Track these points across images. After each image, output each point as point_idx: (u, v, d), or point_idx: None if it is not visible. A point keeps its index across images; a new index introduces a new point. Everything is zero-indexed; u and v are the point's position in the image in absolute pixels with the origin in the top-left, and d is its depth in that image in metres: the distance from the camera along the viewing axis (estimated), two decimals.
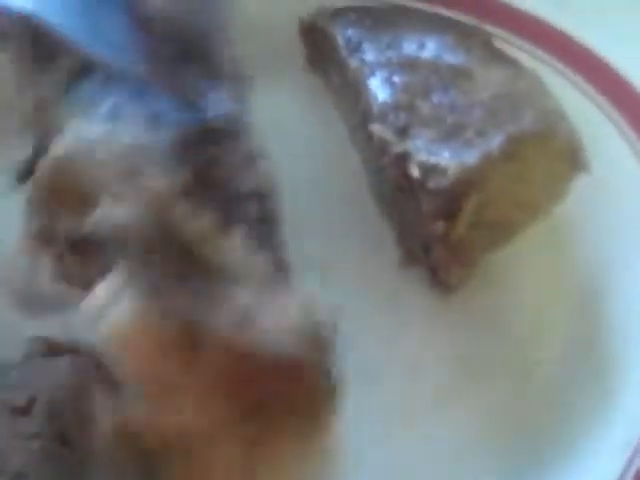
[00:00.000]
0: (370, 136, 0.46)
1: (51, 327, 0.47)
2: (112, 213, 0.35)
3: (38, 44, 0.39)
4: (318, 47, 0.52)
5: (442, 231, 0.43)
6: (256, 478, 0.36)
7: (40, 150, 0.38)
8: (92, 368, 0.46)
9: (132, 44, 0.41)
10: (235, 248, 0.35)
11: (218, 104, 0.39)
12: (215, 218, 0.35)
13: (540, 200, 0.46)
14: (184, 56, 0.40)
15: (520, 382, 0.46)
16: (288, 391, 0.35)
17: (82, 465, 0.42)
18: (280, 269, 0.36)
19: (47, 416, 0.44)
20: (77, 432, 0.44)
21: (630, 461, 0.41)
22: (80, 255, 0.37)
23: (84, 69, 0.39)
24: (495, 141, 0.43)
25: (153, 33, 0.41)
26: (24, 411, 0.45)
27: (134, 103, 0.37)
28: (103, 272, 0.35)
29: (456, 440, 0.44)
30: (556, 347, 0.47)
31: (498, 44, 0.50)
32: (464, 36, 0.49)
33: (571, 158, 0.46)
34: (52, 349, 0.47)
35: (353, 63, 0.48)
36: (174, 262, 0.35)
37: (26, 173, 0.39)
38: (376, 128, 0.45)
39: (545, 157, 0.45)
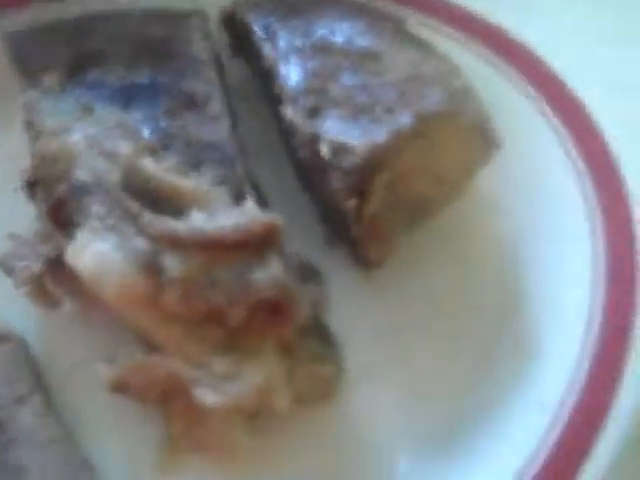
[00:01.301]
0: (284, 119, 0.47)
1: None
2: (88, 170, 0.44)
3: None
4: (238, 35, 0.53)
5: (354, 209, 0.44)
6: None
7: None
8: (20, 353, 0.47)
9: None
10: (192, 185, 0.44)
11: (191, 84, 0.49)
12: (179, 163, 0.44)
13: (454, 175, 0.48)
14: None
15: (441, 356, 0.47)
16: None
17: (12, 446, 0.44)
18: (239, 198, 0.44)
19: None
20: (6, 414, 0.45)
21: (548, 428, 0.43)
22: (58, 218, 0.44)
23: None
24: (403, 119, 0.44)
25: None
26: None
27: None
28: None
29: (379, 414, 0.46)
30: (477, 320, 0.49)
31: (413, 28, 0.52)
32: (376, 21, 0.50)
33: (481, 135, 0.47)
34: None
35: (267, 50, 0.49)
36: (142, 202, 0.43)
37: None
38: (287, 111, 0.46)
39: (454, 134, 0.46)
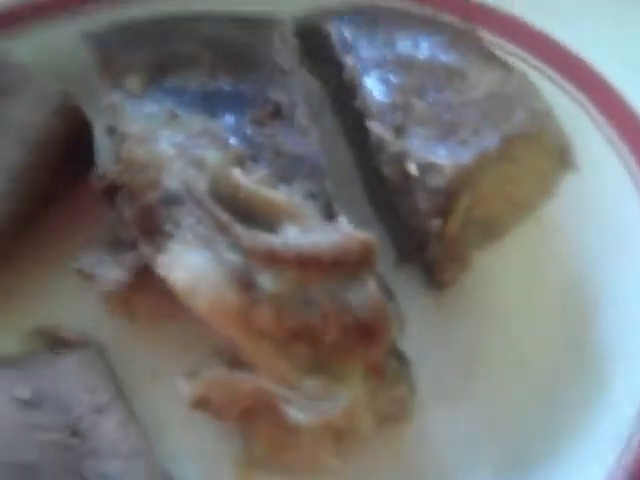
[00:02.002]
0: (367, 134, 0.48)
1: (58, 317, 0.49)
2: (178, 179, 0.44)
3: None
4: (313, 46, 0.53)
5: (438, 228, 0.45)
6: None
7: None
8: (100, 361, 0.47)
9: None
10: (285, 199, 0.43)
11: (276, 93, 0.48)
12: (269, 175, 0.44)
13: (530, 197, 0.48)
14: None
15: (510, 380, 0.48)
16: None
17: (94, 455, 0.44)
18: (328, 214, 0.44)
19: (56, 408, 0.45)
20: (87, 423, 0.45)
21: (620, 457, 0.43)
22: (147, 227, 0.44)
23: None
24: (490, 141, 0.45)
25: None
26: (33, 404, 0.46)
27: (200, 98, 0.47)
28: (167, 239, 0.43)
29: (454, 435, 0.46)
30: (546, 343, 0.49)
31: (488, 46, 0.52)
32: (457, 37, 0.50)
33: (560, 156, 0.48)
34: (58, 342, 0.49)
35: (349, 61, 0.49)
36: (231, 213, 0.43)
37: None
38: (373, 126, 0.47)
39: (536, 155, 0.47)
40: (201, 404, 0.43)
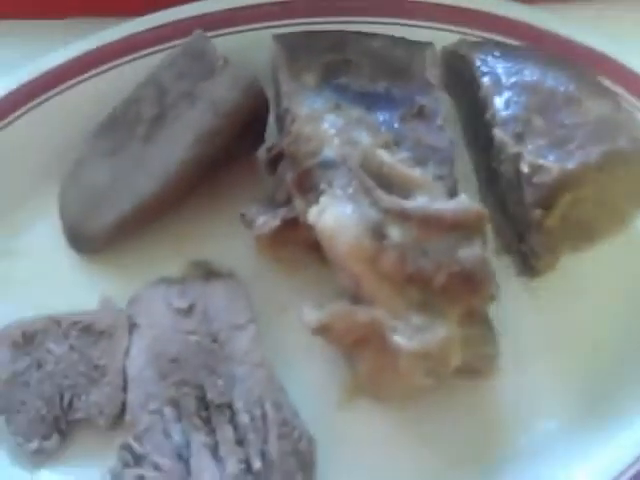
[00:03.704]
0: (490, 140, 0.58)
1: (213, 253, 0.61)
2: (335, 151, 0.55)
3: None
4: (455, 69, 0.64)
5: (539, 218, 0.55)
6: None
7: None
8: (241, 290, 0.58)
9: None
10: (420, 175, 0.54)
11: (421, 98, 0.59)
12: (408, 158, 0.55)
13: (622, 209, 0.57)
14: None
15: (586, 357, 0.56)
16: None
17: (227, 361, 0.54)
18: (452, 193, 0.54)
19: (203, 320, 0.57)
20: (225, 335, 0.55)
21: None
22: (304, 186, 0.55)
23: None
24: (594, 154, 0.55)
25: None
26: (185, 313, 0.57)
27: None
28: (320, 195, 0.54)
29: (528, 394, 0.55)
30: (624, 334, 0.57)
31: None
32: (578, 73, 0.60)
33: None
34: (210, 272, 0.60)
35: (486, 82, 0.60)
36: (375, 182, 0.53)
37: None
38: (498, 132, 0.57)
39: (632, 175, 0.56)
40: (323, 331, 0.53)
